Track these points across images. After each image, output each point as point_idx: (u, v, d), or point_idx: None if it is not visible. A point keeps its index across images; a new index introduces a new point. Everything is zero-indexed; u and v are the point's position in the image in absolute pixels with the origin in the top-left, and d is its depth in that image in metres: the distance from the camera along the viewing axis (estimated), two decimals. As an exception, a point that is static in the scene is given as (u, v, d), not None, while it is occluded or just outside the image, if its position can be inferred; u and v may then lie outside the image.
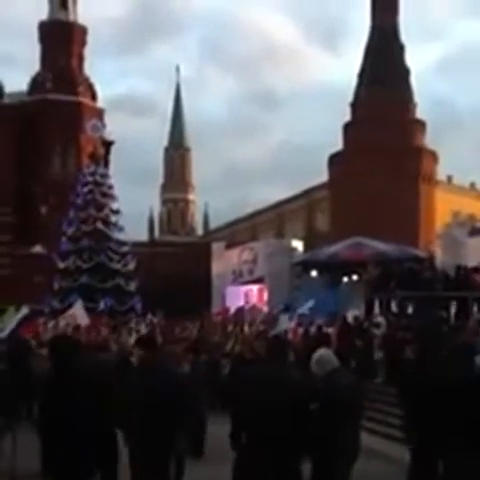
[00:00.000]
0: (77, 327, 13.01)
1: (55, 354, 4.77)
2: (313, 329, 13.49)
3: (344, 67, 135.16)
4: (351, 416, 5.14)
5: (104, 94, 45.67)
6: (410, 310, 15.06)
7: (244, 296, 23.95)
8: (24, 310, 9.31)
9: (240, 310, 21.38)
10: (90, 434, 4.63)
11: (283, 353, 4.95)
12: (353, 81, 46.08)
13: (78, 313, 15.23)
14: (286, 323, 13.98)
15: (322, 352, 5.29)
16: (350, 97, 46.00)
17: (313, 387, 4.98)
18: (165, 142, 78.91)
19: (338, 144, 46.21)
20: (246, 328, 15.27)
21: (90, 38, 47.19)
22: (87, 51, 47.15)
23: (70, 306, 20.03)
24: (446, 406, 5.06)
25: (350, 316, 14.46)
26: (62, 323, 14.79)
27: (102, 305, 17.23)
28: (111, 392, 4.93)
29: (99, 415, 4.71)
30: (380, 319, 13.24)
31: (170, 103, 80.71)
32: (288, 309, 17.55)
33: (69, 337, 5.38)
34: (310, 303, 16.36)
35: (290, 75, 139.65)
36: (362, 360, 11.36)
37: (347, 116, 46.13)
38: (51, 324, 15.92)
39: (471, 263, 16.23)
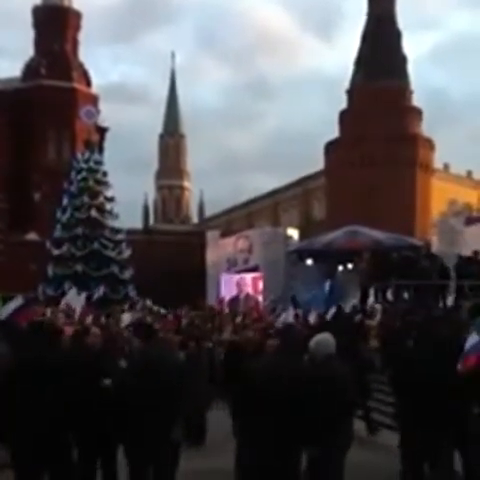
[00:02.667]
0: (69, 316, 12.86)
1: (37, 337, 4.66)
2: (312, 318, 13.39)
3: (339, 55, 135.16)
4: (346, 404, 5.10)
5: (97, 82, 45.37)
6: (406, 298, 15.02)
7: (237, 285, 23.85)
8: (19, 299, 9.14)
9: (235, 299, 21.29)
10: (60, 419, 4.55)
11: (296, 344, 4.95)
12: (348, 69, 45.87)
13: (71, 300, 15.10)
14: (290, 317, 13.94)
15: (323, 336, 5.34)
16: (346, 85, 45.80)
17: (308, 375, 4.94)
18: (159, 129, 78.64)
19: (334, 132, 46.07)
20: (239, 319, 15.17)
21: (83, 25, 46.77)
22: (81, 37, 46.73)
23: (64, 293, 19.93)
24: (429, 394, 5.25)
25: (347, 305, 14.39)
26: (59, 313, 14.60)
27: (96, 295, 17.02)
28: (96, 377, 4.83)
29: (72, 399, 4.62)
30: (377, 306, 13.15)
31: (164, 91, 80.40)
32: (275, 309, 17.37)
33: (52, 322, 5.32)
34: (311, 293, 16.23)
35: (285, 63, 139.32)
36: (355, 348, 11.27)
37: (343, 104, 45.93)
38: (49, 312, 15.69)
39: (467, 252, 16.16)
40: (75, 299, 14.90)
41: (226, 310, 18.72)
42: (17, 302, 8.90)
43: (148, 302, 19.83)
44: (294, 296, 18.44)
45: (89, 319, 12.37)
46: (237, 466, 6.31)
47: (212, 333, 12.87)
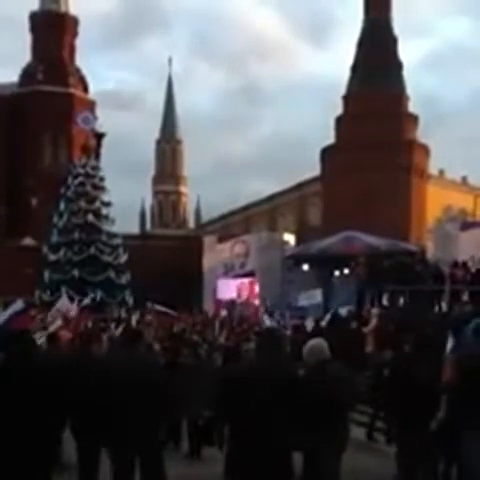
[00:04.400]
0: (65, 321, 12.87)
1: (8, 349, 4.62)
2: (309, 323, 13.46)
3: (333, 61, 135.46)
4: (341, 408, 5.14)
5: (93, 88, 45.42)
6: (401, 303, 15.11)
7: (237, 290, 23.89)
8: (19, 304, 9.13)
9: (232, 303, 21.33)
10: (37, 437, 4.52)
11: (276, 345, 4.96)
12: (343, 75, 46.09)
13: (63, 306, 15.10)
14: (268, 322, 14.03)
15: (315, 341, 5.33)
16: (341, 90, 45.97)
17: (301, 379, 4.98)
18: (156, 135, 78.70)
19: (330, 137, 46.22)
20: (234, 323, 15.25)
21: (80, 32, 46.85)
22: (77, 43, 46.84)
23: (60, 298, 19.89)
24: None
25: (344, 311, 14.45)
26: (49, 319, 14.60)
27: (87, 300, 16.94)
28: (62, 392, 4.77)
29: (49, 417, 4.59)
30: (375, 311, 13.21)
31: (160, 97, 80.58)
32: (272, 314, 17.52)
33: (26, 332, 5.26)
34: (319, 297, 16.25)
35: (280, 69, 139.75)
36: (351, 353, 11.33)
37: (339, 109, 46.10)
38: (39, 317, 15.69)
39: (462, 257, 16.27)
40: (67, 305, 14.87)
41: (223, 313, 18.77)
42: (17, 306, 8.89)
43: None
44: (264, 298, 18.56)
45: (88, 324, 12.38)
46: (226, 471, 6.34)
47: (213, 338, 12.91)
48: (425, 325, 9.45)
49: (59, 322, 12.03)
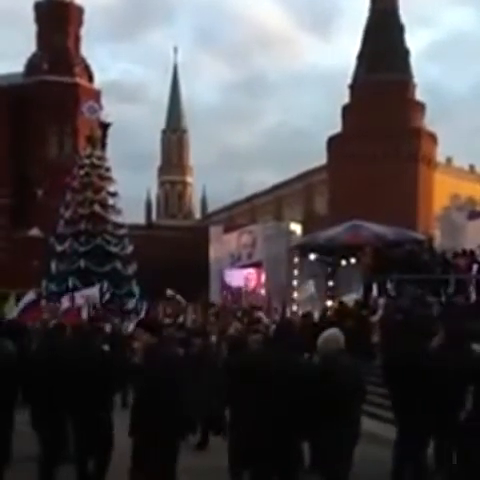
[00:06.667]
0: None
1: None
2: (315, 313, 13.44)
3: (338, 51, 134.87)
4: (352, 399, 5.10)
5: (97, 78, 45.37)
6: (408, 293, 15.02)
7: (244, 279, 23.86)
8: (31, 295, 9.18)
9: (238, 292, 21.35)
10: None
11: (287, 336, 4.96)
12: (348, 64, 45.85)
13: (93, 297, 15.20)
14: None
15: (332, 331, 5.34)
16: (347, 80, 45.69)
17: (313, 369, 4.96)
18: (161, 125, 78.54)
19: (337, 127, 45.99)
20: (239, 314, 15.25)
21: (84, 22, 46.60)
22: (82, 34, 46.63)
23: (67, 289, 19.95)
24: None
25: (350, 300, 14.40)
26: (79, 301, 14.56)
27: (108, 295, 16.72)
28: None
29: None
30: (381, 300, 13.15)
31: (164, 87, 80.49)
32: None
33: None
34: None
35: (284, 59, 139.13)
36: (358, 342, 11.30)
37: (346, 98, 45.83)
38: (66, 305, 15.57)
39: (469, 246, 16.14)
40: (93, 297, 14.97)
41: (230, 303, 18.78)
42: (29, 297, 8.94)
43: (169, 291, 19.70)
44: None
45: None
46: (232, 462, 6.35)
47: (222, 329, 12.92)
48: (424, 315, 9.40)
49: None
